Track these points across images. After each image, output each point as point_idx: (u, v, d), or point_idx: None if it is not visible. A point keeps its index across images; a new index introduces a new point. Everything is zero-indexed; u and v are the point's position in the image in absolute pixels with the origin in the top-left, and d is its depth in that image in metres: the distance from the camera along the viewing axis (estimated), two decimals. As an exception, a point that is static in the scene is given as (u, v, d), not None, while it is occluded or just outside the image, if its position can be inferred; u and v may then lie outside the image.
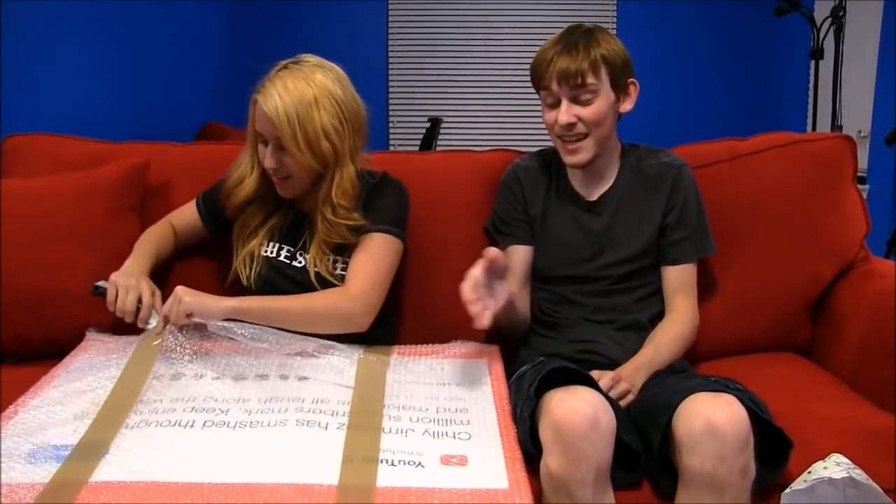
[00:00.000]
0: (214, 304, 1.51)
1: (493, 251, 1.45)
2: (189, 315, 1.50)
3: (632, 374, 1.53)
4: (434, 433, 1.31)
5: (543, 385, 1.36)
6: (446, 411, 1.39)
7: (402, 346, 1.68)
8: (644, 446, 1.36)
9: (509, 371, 1.59)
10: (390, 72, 5.06)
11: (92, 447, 1.23)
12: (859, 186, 1.96)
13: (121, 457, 1.21)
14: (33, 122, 2.18)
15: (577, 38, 1.63)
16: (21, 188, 1.80)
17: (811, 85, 3.94)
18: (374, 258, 1.62)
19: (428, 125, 4.47)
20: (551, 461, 1.25)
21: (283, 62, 1.61)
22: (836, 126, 3.63)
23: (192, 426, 1.29)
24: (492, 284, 1.48)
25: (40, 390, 1.44)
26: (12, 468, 1.18)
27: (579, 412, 1.25)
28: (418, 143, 4.55)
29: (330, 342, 1.58)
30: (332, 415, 1.34)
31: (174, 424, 1.29)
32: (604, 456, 1.26)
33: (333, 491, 1.15)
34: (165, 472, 1.18)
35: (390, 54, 5.05)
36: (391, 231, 1.65)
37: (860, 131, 4.05)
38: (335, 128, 1.57)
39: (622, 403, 1.47)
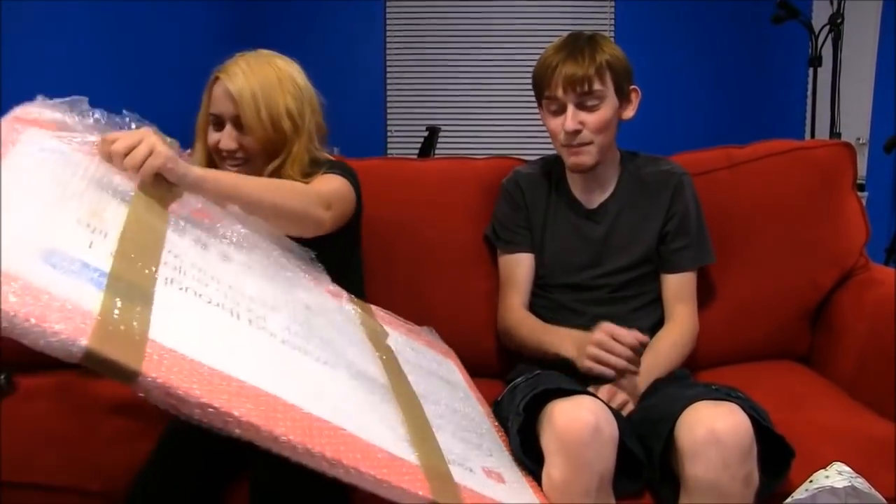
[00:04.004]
0: (185, 172, 1.19)
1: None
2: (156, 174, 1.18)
3: (630, 384, 1.53)
4: (461, 439, 1.25)
5: (537, 400, 1.35)
6: (458, 413, 1.35)
7: (380, 310, 1.55)
8: (645, 455, 1.36)
9: (507, 379, 1.59)
10: (388, 81, 5.06)
11: (134, 288, 0.93)
12: (858, 194, 1.96)
13: (173, 319, 0.93)
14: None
15: (582, 44, 1.63)
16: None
17: (809, 92, 3.95)
18: (323, 182, 1.54)
19: (426, 134, 4.47)
20: (554, 470, 1.25)
21: (240, 53, 1.60)
22: (834, 133, 3.63)
23: (238, 318, 1.04)
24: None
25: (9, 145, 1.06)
26: (34, 264, 0.85)
27: (581, 420, 1.24)
28: (416, 152, 4.55)
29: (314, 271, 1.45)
30: (372, 381, 1.17)
31: (218, 306, 1.03)
32: (606, 464, 1.26)
33: (418, 472, 1.00)
34: (235, 365, 0.93)
35: (388, 64, 5.06)
36: (332, 172, 1.58)
37: (859, 138, 4.06)
38: (298, 110, 1.57)
39: (622, 413, 1.46)
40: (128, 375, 0.82)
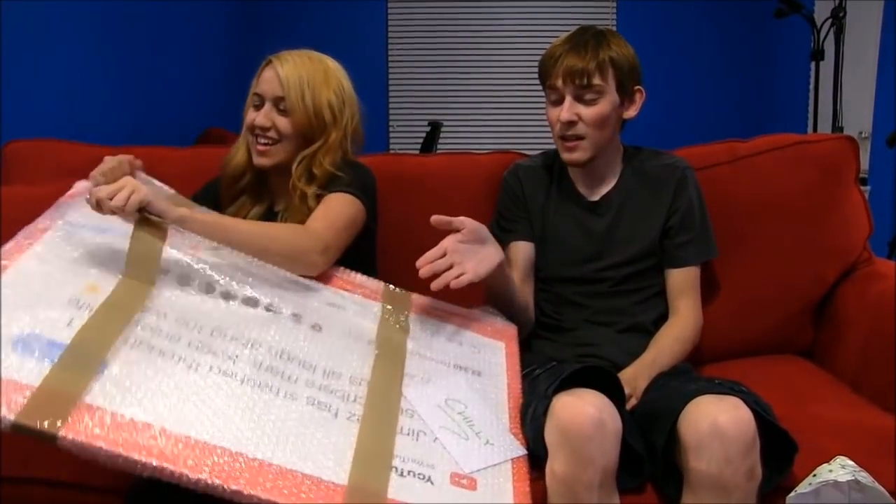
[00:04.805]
0: (168, 209, 1.34)
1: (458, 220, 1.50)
2: (141, 210, 1.31)
3: (633, 378, 1.52)
4: (444, 443, 1.28)
5: (561, 386, 1.34)
6: (460, 415, 1.35)
7: (423, 298, 1.59)
8: (648, 449, 1.36)
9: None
10: (390, 76, 5.06)
11: (86, 355, 1.12)
12: (861, 188, 1.95)
13: (118, 379, 1.11)
14: (34, 128, 2.18)
15: (588, 37, 1.64)
16: (22, 194, 1.80)
17: (812, 86, 3.94)
18: (330, 210, 1.58)
19: (428, 129, 4.47)
20: (556, 464, 1.25)
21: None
22: (836, 127, 3.63)
23: (196, 370, 1.19)
24: (471, 250, 1.50)
25: (35, 240, 1.28)
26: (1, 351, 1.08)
27: (584, 415, 1.24)
28: (419, 147, 4.55)
29: (352, 273, 1.55)
30: (344, 399, 1.26)
31: (178, 360, 1.19)
32: (610, 459, 1.26)
33: (341, 492, 1.11)
34: (167, 417, 1.09)
35: (390, 59, 5.05)
36: (347, 191, 1.61)
37: (861, 132, 4.05)
38: (338, 106, 1.64)
39: (626, 407, 1.46)
40: (49, 438, 1.01)
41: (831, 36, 3.62)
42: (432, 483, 1.19)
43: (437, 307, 1.59)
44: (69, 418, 1.03)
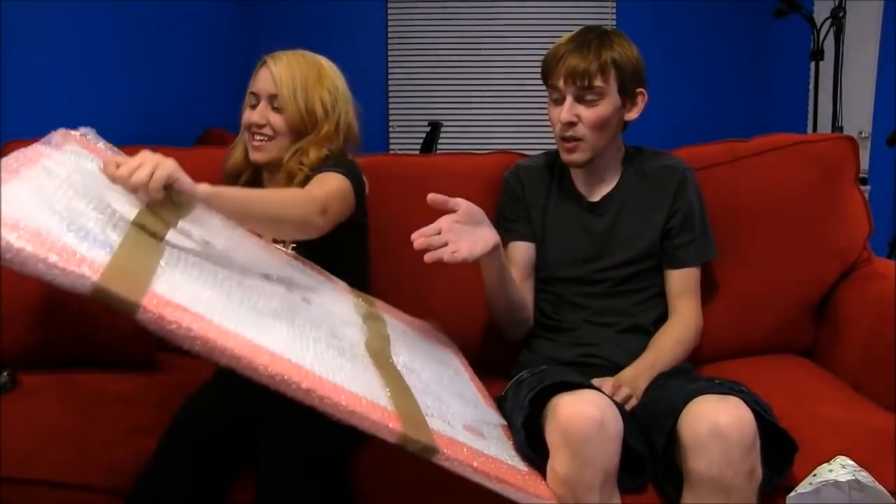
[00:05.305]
0: (194, 185, 1.19)
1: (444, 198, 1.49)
2: (167, 186, 1.14)
3: (633, 379, 1.52)
4: (445, 401, 1.28)
5: (542, 394, 1.35)
6: (449, 383, 1.39)
7: (384, 305, 1.61)
8: (648, 449, 1.36)
9: (509, 375, 1.59)
10: (390, 76, 5.06)
11: (139, 259, 1.04)
12: (861, 187, 1.95)
13: (174, 281, 1.03)
14: (34, 128, 2.17)
15: (591, 38, 1.63)
16: (22, 194, 1.80)
17: (811, 86, 3.95)
18: (322, 181, 1.56)
19: (428, 129, 4.47)
20: (558, 465, 1.25)
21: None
22: (836, 127, 3.63)
23: (228, 297, 1.12)
24: (466, 230, 1.48)
25: (65, 143, 1.26)
26: (51, 220, 0.98)
27: (586, 416, 1.24)
28: (419, 147, 4.55)
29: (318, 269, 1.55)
30: (353, 350, 1.25)
31: (214, 285, 1.12)
32: (611, 460, 1.26)
33: (395, 416, 1.07)
34: (230, 320, 1.03)
35: (389, 59, 5.05)
36: (335, 170, 1.60)
37: (861, 132, 4.05)
38: (331, 104, 1.68)
39: (626, 407, 1.46)
40: (129, 308, 0.94)
41: (831, 36, 3.62)
42: (451, 425, 1.19)
43: (398, 313, 1.63)
44: (145, 293, 0.96)
